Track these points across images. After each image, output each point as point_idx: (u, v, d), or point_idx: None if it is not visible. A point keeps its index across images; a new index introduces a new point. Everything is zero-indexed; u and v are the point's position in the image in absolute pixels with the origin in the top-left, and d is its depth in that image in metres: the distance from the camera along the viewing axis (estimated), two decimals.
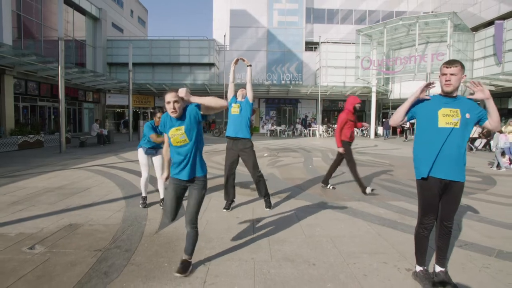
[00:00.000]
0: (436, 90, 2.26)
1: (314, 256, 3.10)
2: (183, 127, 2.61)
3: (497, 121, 2.40)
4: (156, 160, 4.84)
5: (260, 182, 4.63)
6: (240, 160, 4.70)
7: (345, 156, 5.78)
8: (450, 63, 2.45)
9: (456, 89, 2.46)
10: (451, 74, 2.41)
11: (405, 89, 24.68)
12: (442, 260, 2.60)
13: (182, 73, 28.33)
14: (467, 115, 2.41)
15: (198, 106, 2.65)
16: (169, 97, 2.55)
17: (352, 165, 5.75)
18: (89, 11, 24.55)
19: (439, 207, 2.54)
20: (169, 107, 2.57)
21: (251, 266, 2.89)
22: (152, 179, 5.94)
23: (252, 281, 2.63)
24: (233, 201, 4.78)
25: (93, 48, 26.03)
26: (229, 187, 4.65)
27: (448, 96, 2.49)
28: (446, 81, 2.44)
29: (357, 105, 5.75)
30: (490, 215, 4.48)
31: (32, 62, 15.83)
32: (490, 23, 22.17)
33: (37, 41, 19.96)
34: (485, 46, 21.74)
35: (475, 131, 15.11)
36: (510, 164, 9.14)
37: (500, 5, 22.17)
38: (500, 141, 9.25)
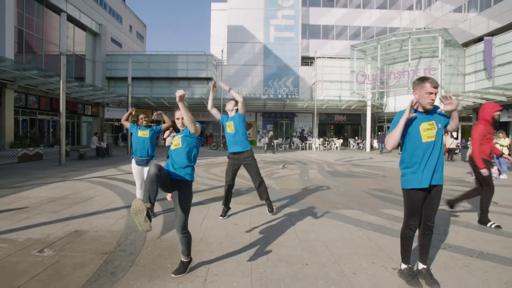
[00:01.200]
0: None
1: (307, 258, 3.31)
2: (182, 134, 3.04)
3: (456, 125, 2.74)
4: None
5: (261, 186, 5.00)
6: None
7: (486, 179, 4.53)
8: (436, 83, 2.66)
9: None
10: (435, 94, 2.66)
11: (400, 102, 25.18)
12: (424, 257, 2.82)
13: (180, 87, 28.48)
14: (439, 125, 2.70)
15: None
16: (179, 114, 3.05)
17: (489, 191, 4.57)
18: (90, 27, 25.10)
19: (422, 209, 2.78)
20: (178, 122, 3.09)
21: (248, 267, 3.08)
22: None
23: (249, 279, 2.83)
24: (229, 208, 5.01)
25: (92, 63, 26.47)
26: (228, 195, 4.93)
27: (425, 111, 2.74)
28: (432, 100, 2.66)
29: (497, 114, 4.49)
30: (476, 221, 4.69)
31: (33, 76, 16.14)
32: (480, 39, 22.84)
33: (37, 55, 20.34)
34: (476, 61, 22.36)
35: (452, 143, 16.32)
36: (499, 174, 9.43)
37: (489, 22, 22.93)
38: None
